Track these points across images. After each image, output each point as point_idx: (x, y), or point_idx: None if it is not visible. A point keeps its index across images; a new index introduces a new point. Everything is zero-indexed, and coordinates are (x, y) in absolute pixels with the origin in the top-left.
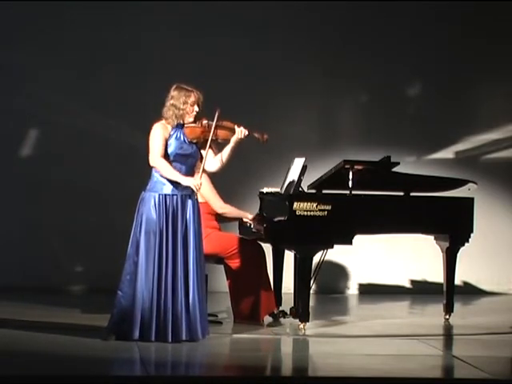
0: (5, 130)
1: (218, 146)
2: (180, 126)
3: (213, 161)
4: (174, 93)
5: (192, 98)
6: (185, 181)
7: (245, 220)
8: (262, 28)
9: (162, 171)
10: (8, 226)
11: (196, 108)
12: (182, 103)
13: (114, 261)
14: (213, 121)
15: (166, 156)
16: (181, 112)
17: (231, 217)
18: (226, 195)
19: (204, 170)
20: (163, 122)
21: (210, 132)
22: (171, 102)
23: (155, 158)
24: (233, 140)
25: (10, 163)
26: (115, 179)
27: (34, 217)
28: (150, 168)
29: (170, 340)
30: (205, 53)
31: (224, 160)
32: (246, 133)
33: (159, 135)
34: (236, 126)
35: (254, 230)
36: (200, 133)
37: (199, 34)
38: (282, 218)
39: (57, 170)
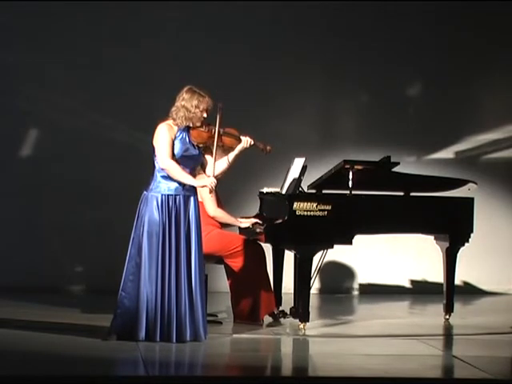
0: (5, 130)
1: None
2: (186, 129)
3: (218, 164)
4: (186, 95)
5: (204, 105)
6: (198, 182)
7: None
8: (262, 28)
9: (173, 174)
10: (8, 226)
11: (204, 114)
12: (194, 107)
13: (114, 261)
14: (220, 126)
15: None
16: (191, 115)
17: (222, 222)
18: (226, 195)
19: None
20: (169, 122)
21: (215, 137)
22: (182, 103)
23: (165, 160)
24: (238, 148)
25: (10, 163)
26: (115, 179)
27: (34, 217)
28: (151, 167)
29: (174, 340)
30: (205, 53)
31: (229, 163)
32: (252, 142)
33: (166, 136)
34: (242, 136)
35: (257, 231)
36: (207, 138)
37: (199, 35)
38: (282, 218)
39: (57, 170)
